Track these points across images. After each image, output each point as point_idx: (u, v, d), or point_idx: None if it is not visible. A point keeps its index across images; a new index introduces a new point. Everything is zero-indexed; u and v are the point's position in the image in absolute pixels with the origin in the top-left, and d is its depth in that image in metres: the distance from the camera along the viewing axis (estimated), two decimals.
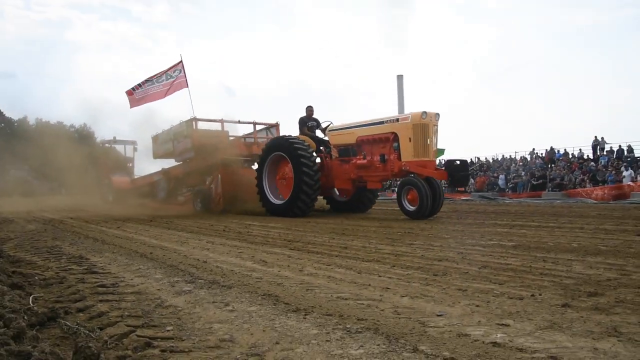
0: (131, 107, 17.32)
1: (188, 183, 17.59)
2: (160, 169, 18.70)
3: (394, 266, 4.72)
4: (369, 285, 3.84)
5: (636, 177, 21.56)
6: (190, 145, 15.58)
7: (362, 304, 3.25)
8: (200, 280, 4.19)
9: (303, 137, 12.97)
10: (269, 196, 13.07)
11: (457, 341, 2.43)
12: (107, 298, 3.56)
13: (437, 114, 11.06)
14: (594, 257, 4.96)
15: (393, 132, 11.24)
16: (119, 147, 25.98)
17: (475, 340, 2.43)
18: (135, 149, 25.32)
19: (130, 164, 25.41)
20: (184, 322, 2.91)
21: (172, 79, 16.67)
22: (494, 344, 2.37)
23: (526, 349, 2.29)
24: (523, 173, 28.16)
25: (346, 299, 3.40)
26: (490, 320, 2.79)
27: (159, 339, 2.59)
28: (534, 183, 25.46)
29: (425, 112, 10.78)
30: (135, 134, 22.39)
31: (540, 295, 3.38)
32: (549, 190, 23.75)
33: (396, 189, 11.29)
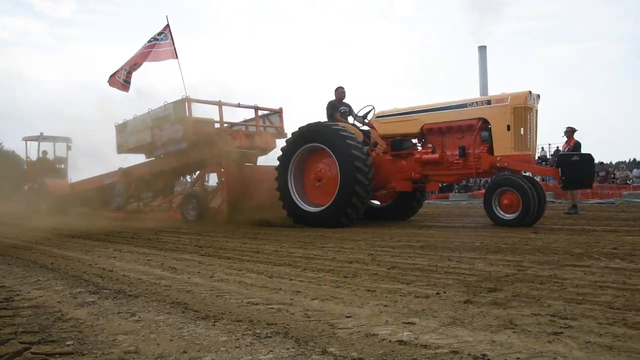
0: (111, 85, 13.57)
1: (155, 186, 14.27)
2: (117, 169, 14.90)
3: (305, 269, 4.74)
4: (280, 289, 3.83)
5: None
6: (181, 135, 12.09)
7: (273, 308, 3.23)
8: (105, 291, 4.00)
9: (344, 125, 10.18)
10: (297, 201, 10.11)
11: (365, 341, 2.46)
12: None
13: (538, 96, 8.97)
14: (494, 255, 5.23)
15: (481, 118, 8.95)
16: (48, 145, 21.22)
17: (382, 340, 2.47)
18: (69, 147, 20.78)
19: (63, 165, 20.90)
20: (86, 336, 2.76)
21: (156, 41, 13.06)
22: (400, 342, 2.43)
23: (430, 345, 2.36)
24: None
25: (257, 304, 3.37)
26: (397, 319, 2.86)
27: (57, 355, 2.44)
28: (442, 185, 26.53)
29: (530, 92, 8.68)
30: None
31: (444, 293, 3.50)
32: (455, 192, 24.86)
33: (485, 191, 9.06)
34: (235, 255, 5.97)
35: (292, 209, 10.10)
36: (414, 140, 10.20)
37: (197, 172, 13.49)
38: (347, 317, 2.95)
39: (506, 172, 8.79)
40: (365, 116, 10.71)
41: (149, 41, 13.14)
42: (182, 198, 12.67)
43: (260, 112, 13.04)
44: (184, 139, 12.09)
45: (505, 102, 8.65)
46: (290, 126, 13.05)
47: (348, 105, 10.92)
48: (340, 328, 2.71)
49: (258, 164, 12.78)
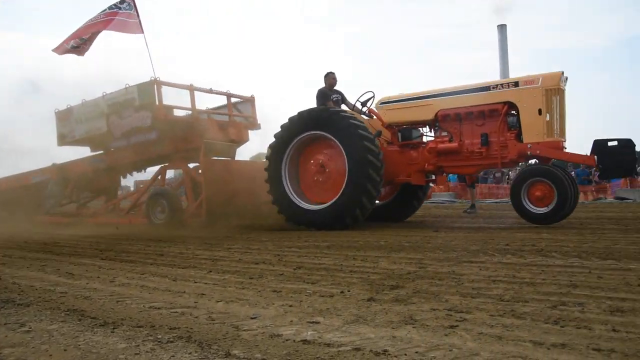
0: (59, 53, 11.58)
1: (99, 185, 12.31)
2: (50, 165, 12.61)
3: (210, 271, 4.66)
4: (184, 292, 3.73)
5: None
6: (149, 123, 10.29)
7: (176, 312, 3.14)
8: None
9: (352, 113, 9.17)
10: (292, 197, 8.86)
11: (270, 342, 2.45)
12: None
13: (567, 77, 8.24)
14: (397, 253, 5.40)
15: (507, 102, 8.16)
16: None
17: (286, 340, 2.48)
18: None
19: None
20: None
21: (118, 10, 11.05)
22: (304, 341, 2.44)
23: (333, 343, 2.39)
24: None
25: (159, 308, 3.26)
26: (301, 319, 2.87)
27: None
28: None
29: (562, 73, 7.97)
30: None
31: (349, 291, 3.57)
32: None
33: (512, 182, 8.46)
34: (138, 258, 5.75)
35: (285, 206, 8.85)
36: (422, 129, 9.38)
37: (158, 168, 11.64)
38: (251, 318, 2.93)
39: (535, 161, 8.24)
40: (364, 103, 9.40)
41: (110, 8, 11.16)
42: (149, 198, 10.76)
43: (232, 100, 11.50)
44: (152, 129, 10.37)
45: (535, 83, 7.91)
46: (263, 118, 11.84)
47: (340, 93, 9.72)
48: (244, 330, 2.69)
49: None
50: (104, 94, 11.02)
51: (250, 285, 3.91)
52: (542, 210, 7.66)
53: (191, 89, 10.46)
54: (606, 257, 4.68)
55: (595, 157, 7.73)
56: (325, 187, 8.78)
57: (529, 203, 7.72)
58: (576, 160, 8.52)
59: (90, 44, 11.41)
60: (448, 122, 8.65)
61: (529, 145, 7.87)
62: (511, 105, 8.14)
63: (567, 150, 8.09)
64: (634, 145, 7.75)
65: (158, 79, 10.06)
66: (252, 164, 11.03)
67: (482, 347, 2.25)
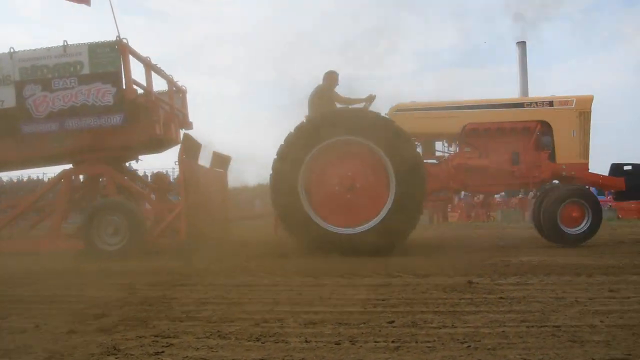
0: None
1: None
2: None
3: None
4: None
5: None
6: (112, 101, 7.53)
7: None
8: None
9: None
10: (314, 217, 6.96)
11: None
12: None
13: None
14: (107, 279, 5.11)
15: (541, 121, 7.92)
16: None
17: None
18: None
19: None
20: None
21: None
22: None
23: None
24: None
25: None
26: None
27: None
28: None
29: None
30: None
31: (45, 324, 3.22)
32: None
33: (536, 202, 8.14)
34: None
35: (305, 227, 6.92)
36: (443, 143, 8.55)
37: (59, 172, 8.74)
38: None
39: (557, 182, 8.14)
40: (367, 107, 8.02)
41: None
42: (90, 215, 7.52)
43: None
44: (118, 110, 7.55)
45: (570, 105, 7.92)
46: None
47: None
48: None
49: None
50: (12, 50, 7.62)
51: None
52: (578, 230, 7.54)
53: (148, 63, 8.22)
54: (306, 275, 5.17)
55: (625, 179, 7.92)
56: (350, 205, 7.07)
57: (564, 224, 7.50)
58: (608, 182, 8.26)
59: None
60: (476, 136, 8.03)
61: (563, 166, 7.79)
62: (544, 125, 7.98)
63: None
64: None
65: (125, 41, 7.55)
66: (213, 171, 8.99)
67: None
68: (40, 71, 7.55)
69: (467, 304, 3.65)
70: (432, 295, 4.03)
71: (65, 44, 7.53)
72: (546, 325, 3.08)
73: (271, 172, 7.04)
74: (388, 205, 6.89)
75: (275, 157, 6.99)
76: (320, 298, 3.90)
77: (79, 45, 7.55)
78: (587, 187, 8.04)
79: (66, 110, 7.50)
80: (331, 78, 7.97)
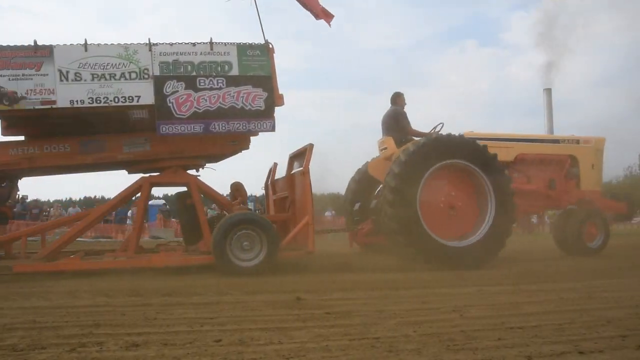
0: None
1: None
2: None
3: None
4: None
5: None
6: (263, 106, 7.17)
7: None
8: None
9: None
10: (428, 231, 7.48)
11: None
12: None
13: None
14: None
15: (570, 155, 9.79)
16: None
17: None
18: None
19: None
20: None
21: None
22: None
23: None
24: None
25: None
26: None
27: None
28: None
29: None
30: None
31: None
32: None
33: (559, 222, 9.79)
34: None
35: (416, 238, 7.44)
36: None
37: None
38: None
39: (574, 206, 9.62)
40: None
41: None
42: (223, 226, 6.88)
43: None
44: (269, 115, 7.23)
45: (590, 143, 9.91)
46: None
47: None
48: None
49: None
50: (151, 42, 6.86)
51: None
52: (596, 244, 9.28)
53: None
54: (132, 294, 4.92)
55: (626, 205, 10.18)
56: (449, 222, 7.93)
57: (585, 239, 9.22)
58: (614, 206, 10.11)
59: None
60: (524, 165, 9.48)
61: (586, 193, 9.61)
62: (572, 158, 9.78)
63: None
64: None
65: (271, 46, 7.29)
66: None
67: None
68: (184, 67, 6.94)
69: (295, 320, 3.74)
70: (261, 312, 4.07)
71: (212, 42, 7.07)
72: (367, 337, 3.27)
73: (387, 189, 7.64)
74: (488, 222, 7.77)
75: (393, 175, 7.54)
76: (146, 318, 3.73)
77: (227, 45, 7.14)
78: (600, 209, 9.76)
79: (212, 112, 6.98)
80: (401, 99, 8.77)
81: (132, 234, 7.67)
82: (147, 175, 7.62)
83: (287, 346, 2.98)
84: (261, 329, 3.42)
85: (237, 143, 7.61)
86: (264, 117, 7.15)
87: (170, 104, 6.79)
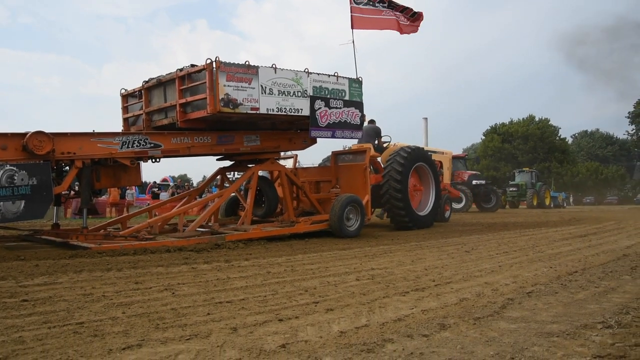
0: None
1: None
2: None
3: None
4: None
5: None
6: (358, 121, 10.57)
7: None
8: None
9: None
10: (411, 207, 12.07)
11: None
12: None
13: None
14: None
15: (440, 161, 16.55)
16: None
17: None
18: None
19: None
20: None
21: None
22: None
23: None
24: None
25: None
26: None
27: None
28: None
29: None
30: None
31: None
32: None
33: None
34: None
35: (409, 215, 11.64)
36: None
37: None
38: None
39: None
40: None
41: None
42: (342, 205, 9.81)
43: None
44: (359, 128, 10.69)
45: (447, 154, 18.98)
46: None
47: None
48: None
49: None
50: (307, 70, 9.36)
51: None
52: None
53: None
54: None
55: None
56: (415, 201, 12.42)
57: None
58: (457, 193, 20.12)
59: None
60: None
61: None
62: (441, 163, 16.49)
63: None
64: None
65: (361, 79, 10.38)
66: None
67: None
68: (324, 91, 9.59)
69: None
70: None
71: (335, 74, 9.86)
72: (69, 324, 3.07)
73: (393, 180, 11.41)
74: (431, 202, 12.71)
75: (396, 172, 11.40)
76: None
77: (343, 78, 9.97)
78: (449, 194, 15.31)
79: (336, 124, 9.80)
80: (374, 121, 13.12)
81: (247, 211, 9.33)
82: (253, 165, 9.99)
83: None
84: None
85: (307, 143, 10.41)
86: (357, 129, 10.25)
87: (317, 116, 9.38)
